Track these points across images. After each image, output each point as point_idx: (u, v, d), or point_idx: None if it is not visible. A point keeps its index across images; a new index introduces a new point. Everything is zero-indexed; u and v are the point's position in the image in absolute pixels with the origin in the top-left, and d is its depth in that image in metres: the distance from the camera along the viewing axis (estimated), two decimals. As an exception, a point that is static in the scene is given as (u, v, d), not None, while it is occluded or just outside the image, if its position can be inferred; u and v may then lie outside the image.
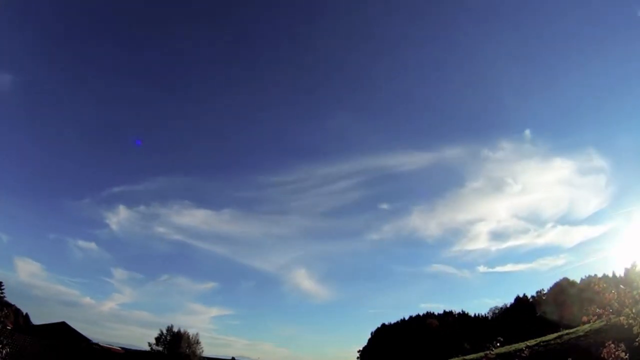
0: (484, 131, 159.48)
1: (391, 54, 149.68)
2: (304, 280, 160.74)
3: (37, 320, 64.03)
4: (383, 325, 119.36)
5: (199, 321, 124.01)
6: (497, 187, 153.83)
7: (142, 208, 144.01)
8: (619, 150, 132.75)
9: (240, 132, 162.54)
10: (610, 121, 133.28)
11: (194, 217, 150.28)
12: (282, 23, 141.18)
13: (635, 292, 9.53)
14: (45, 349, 30.92)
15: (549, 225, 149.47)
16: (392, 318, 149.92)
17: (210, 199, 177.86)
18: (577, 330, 28.45)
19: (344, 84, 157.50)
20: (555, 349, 25.90)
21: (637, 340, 9.67)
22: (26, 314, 68.89)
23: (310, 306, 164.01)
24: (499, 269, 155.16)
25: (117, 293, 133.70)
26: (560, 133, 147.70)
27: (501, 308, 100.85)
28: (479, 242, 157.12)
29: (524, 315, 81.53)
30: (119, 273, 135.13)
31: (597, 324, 22.64)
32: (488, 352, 25.31)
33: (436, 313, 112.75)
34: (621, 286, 10.27)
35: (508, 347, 29.21)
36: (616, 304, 9.82)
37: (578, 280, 76.75)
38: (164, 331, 58.22)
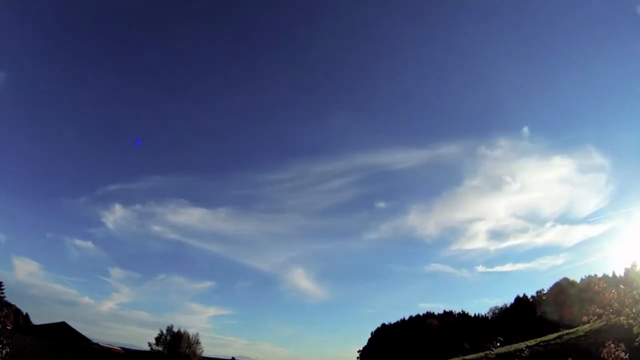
0: (481, 128, 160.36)
1: (389, 54, 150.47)
2: (302, 280, 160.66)
3: (36, 320, 64.18)
4: (383, 325, 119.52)
5: (197, 321, 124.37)
6: (496, 185, 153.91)
7: (138, 207, 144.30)
8: (620, 147, 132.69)
9: (236, 130, 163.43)
10: (611, 118, 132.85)
11: (190, 216, 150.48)
12: (281, 22, 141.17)
13: (635, 292, 9.53)
14: (45, 349, 30.92)
15: (549, 224, 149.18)
16: (391, 318, 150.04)
17: (206, 198, 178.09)
18: (577, 330, 28.45)
19: (341, 83, 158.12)
20: (555, 349, 25.90)
21: (637, 340, 9.66)
22: (26, 314, 68.94)
23: (308, 306, 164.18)
24: (498, 268, 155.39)
25: (115, 293, 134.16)
26: (559, 130, 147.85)
27: (501, 308, 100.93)
28: (478, 242, 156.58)
29: (524, 315, 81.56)
30: (116, 272, 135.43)
31: (597, 324, 22.64)
32: (488, 352, 25.28)
33: (436, 313, 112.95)
34: (621, 286, 10.26)
35: (508, 347, 29.20)
36: (616, 304, 9.82)
37: (578, 280, 76.83)
38: (164, 331, 58.36)
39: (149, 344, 58.20)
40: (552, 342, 27.96)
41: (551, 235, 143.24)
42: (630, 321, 9.54)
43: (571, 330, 30.14)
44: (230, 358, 77.78)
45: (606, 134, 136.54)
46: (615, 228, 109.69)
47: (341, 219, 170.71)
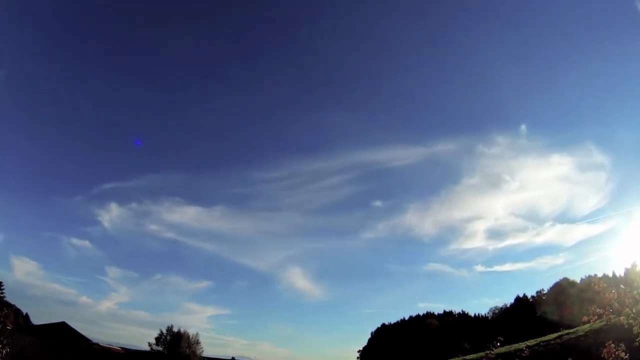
0: (479, 126, 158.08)
1: (387, 52, 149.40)
2: (299, 279, 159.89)
3: (36, 320, 64.18)
4: (383, 325, 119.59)
5: (195, 320, 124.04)
6: (494, 183, 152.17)
7: (134, 205, 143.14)
8: (620, 145, 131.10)
9: (231, 128, 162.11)
10: (611, 115, 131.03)
11: (185, 214, 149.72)
12: (277, 20, 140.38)
13: (635, 292, 9.53)
14: (45, 349, 30.92)
15: (548, 223, 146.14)
16: (390, 318, 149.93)
17: (201, 196, 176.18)
18: (577, 330, 28.47)
19: (338, 81, 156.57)
20: (555, 349, 25.91)
21: (637, 340, 9.67)
22: (26, 314, 68.97)
23: (306, 305, 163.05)
24: (497, 268, 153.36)
25: (114, 292, 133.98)
26: (558, 128, 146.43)
27: (501, 308, 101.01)
28: (476, 241, 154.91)
29: (524, 315, 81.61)
30: (113, 271, 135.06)
31: (597, 324, 22.65)
32: (488, 352, 25.28)
33: (436, 313, 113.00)
34: (621, 286, 10.27)
35: (508, 347, 29.21)
36: (616, 304, 9.82)
37: (578, 280, 76.85)
38: (164, 331, 58.32)
39: (149, 344, 58.24)
40: (552, 342, 27.97)
41: (551, 234, 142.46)
42: (630, 321, 9.55)
43: (571, 330, 30.15)
44: (230, 358, 77.80)
45: (606, 131, 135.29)
46: (615, 227, 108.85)
47: (338, 217, 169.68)
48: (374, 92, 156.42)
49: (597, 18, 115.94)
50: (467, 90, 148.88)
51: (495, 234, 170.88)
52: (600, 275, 62.30)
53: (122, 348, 60.45)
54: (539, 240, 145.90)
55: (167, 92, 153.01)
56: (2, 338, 24.11)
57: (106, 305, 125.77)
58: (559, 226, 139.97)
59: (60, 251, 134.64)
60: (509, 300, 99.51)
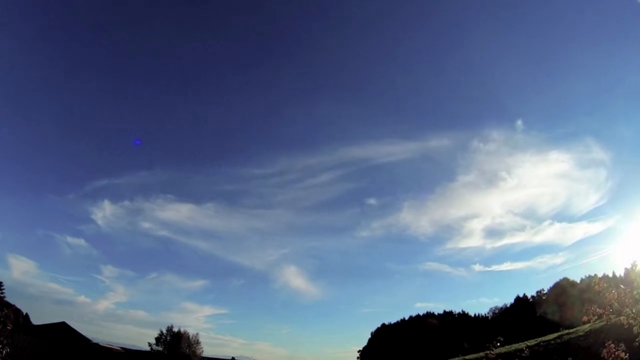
0: (473, 121, 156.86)
1: (379, 44, 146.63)
2: (295, 279, 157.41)
3: (36, 320, 64.12)
4: (383, 325, 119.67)
5: (193, 320, 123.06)
6: (490, 181, 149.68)
7: (126, 203, 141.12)
8: (621, 140, 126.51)
9: (220, 123, 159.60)
10: (611, 108, 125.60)
11: (178, 212, 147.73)
12: (269, 18, 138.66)
13: (635, 292, 9.54)
14: (45, 349, 30.95)
15: (546, 222, 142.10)
16: (388, 318, 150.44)
17: (192, 193, 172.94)
18: (577, 330, 28.49)
19: (329, 74, 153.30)
20: (555, 349, 25.93)
21: (637, 340, 9.69)
22: (26, 314, 68.90)
23: (303, 305, 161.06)
24: (495, 267, 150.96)
25: (111, 292, 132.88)
26: (555, 123, 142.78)
27: (501, 308, 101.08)
28: (474, 240, 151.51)
29: (524, 315, 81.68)
30: (109, 270, 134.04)
31: (597, 324, 22.67)
32: (488, 352, 25.35)
33: (436, 313, 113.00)
34: (621, 286, 10.28)
35: (508, 347, 29.26)
36: (616, 304, 9.83)
37: (578, 280, 76.89)
38: (164, 331, 58.40)
39: (149, 344, 58.31)
40: (552, 342, 28.00)
41: (549, 233, 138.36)
42: (630, 321, 9.56)
43: (571, 330, 30.18)
44: (230, 358, 77.71)
45: (606, 126, 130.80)
46: (615, 226, 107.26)
47: (331, 215, 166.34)
48: (365, 86, 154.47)
49: (596, 9, 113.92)
50: (460, 83, 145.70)
51: (492, 232, 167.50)
52: (600, 275, 62.36)
53: (122, 348, 60.44)
54: (538, 239, 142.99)
55: (159, 89, 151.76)
56: (2, 338, 24.12)
57: (104, 304, 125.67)
58: (557, 225, 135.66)
59: (55, 249, 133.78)
60: (507, 299, 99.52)
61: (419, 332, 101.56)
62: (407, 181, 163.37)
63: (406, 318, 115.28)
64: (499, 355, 25.30)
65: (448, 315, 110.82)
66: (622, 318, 9.80)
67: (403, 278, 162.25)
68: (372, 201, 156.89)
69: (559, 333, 31.66)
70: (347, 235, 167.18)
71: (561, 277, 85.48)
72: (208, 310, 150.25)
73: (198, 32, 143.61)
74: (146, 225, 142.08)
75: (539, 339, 30.37)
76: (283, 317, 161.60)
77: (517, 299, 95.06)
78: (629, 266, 10.90)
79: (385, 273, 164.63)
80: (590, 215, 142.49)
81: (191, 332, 60.91)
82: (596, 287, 10.51)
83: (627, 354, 11.24)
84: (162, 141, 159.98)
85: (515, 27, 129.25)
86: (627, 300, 9.63)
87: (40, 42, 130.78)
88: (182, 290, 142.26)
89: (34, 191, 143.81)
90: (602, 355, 11.65)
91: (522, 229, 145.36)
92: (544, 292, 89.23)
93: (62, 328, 46.51)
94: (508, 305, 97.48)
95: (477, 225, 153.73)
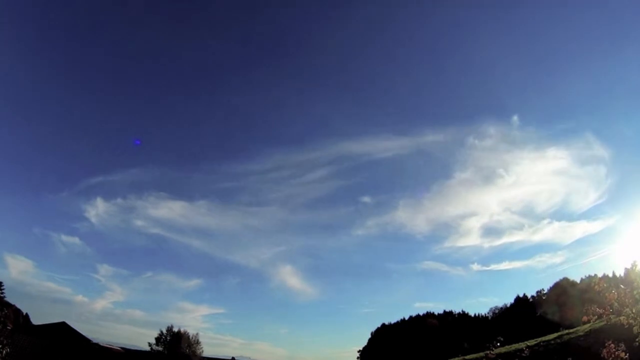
0: (468, 116, 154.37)
1: (373, 40, 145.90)
2: (291, 277, 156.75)
3: (35, 320, 64.07)
4: (383, 325, 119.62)
5: (191, 319, 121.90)
6: (487, 178, 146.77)
7: (119, 200, 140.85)
8: (622, 136, 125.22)
9: (213, 119, 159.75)
10: (611, 104, 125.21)
11: (171, 210, 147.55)
12: (264, 11, 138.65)
13: (635, 292, 9.55)
14: (45, 349, 30.95)
15: (545, 220, 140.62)
16: (387, 317, 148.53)
17: (185, 190, 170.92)
18: (577, 330, 28.50)
19: (323, 70, 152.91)
20: (555, 349, 25.93)
21: (637, 340, 9.69)
22: (26, 314, 68.84)
23: (300, 305, 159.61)
24: (494, 267, 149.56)
25: (108, 291, 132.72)
26: (554, 118, 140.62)
27: (501, 308, 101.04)
28: (471, 239, 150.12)
29: (524, 315, 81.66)
30: (104, 269, 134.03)
31: (597, 324, 22.67)
32: (488, 352, 25.36)
33: (436, 313, 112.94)
34: (621, 286, 10.28)
35: (508, 347, 29.27)
36: (616, 304, 9.83)
37: (578, 279, 76.89)
38: (164, 331, 58.39)
39: (149, 344, 58.30)
40: (552, 342, 27.99)
41: (548, 232, 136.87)
42: (630, 321, 9.57)
43: (571, 330, 30.18)
44: (230, 358, 77.66)
45: (606, 121, 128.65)
46: (615, 225, 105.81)
47: (325, 213, 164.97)
48: (359, 81, 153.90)
49: (596, 9, 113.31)
50: (455, 78, 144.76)
51: (490, 231, 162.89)
52: (600, 274, 62.35)
53: (122, 348, 60.44)
54: (536, 238, 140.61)
55: (153, 88, 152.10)
56: (2, 338, 24.11)
57: (101, 304, 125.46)
58: (556, 224, 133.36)
59: (51, 248, 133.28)
60: (507, 299, 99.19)
61: (419, 332, 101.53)
62: (402, 178, 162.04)
63: (406, 318, 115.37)
64: (499, 355, 25.32)
65: (448, 315, 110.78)
66: (622, 318, 9.81)
67: (401, 277, 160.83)
68: (366, 199, 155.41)
69: (559, 333, 31.65)
70: (343, 233, 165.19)
71: (561, 277, 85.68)
72: (204, 309, 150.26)
73: (198, 32, 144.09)
74: (139, 223, 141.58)
75: (539, 339, 30.36)
76: (281, 317, 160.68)
77: (517, 298, 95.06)
78: (629, 266, 10.89)
79: (384, 272, 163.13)
80: (590, 214, 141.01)
81: (191, 332, 60.99)
82: (596, 287, 10.52)
83: (627, 354, 11.24)
84: (157, 139, 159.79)
85: (515, 26, 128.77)
86: (627, 300, 9.63)
87: (40, 42, 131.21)
88: (178, 289, 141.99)
89: (31, 190, 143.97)
90: (602, 355, 11.65)
91: (520, 227, 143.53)
92: (544, 292, 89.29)
93: (62, 328, 46.51)
94: (508, 305, 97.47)
95: (475, 223, 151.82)
